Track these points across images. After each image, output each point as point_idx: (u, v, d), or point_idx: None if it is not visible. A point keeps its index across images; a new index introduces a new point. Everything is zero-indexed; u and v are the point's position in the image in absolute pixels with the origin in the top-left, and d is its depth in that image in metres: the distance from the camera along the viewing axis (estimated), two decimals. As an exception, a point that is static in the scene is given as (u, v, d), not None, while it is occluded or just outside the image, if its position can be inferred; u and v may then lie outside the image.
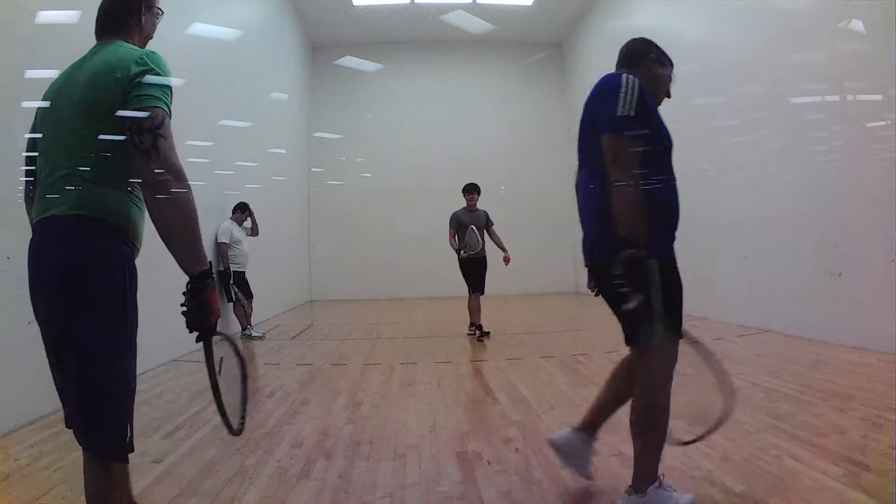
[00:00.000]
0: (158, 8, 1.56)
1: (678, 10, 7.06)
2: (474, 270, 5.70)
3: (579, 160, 1.95)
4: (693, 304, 7.55)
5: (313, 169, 11.07)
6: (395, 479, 2.17)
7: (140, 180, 1.30)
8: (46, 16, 3.20)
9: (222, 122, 6.16)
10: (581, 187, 1.97)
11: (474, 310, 5.71)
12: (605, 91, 1.74)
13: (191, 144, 5.13)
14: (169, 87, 1.35)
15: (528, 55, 11.41)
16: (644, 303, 1.56)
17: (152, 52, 1.39)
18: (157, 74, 1.33)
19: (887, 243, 3.85)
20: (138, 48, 1.44)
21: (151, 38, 1.56)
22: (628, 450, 2.36)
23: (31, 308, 1.41)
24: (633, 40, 2.01)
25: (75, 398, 1.30)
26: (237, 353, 1.41)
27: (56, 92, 1.41)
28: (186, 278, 1.31)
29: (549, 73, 11.61)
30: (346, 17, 9.98)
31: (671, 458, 2.26)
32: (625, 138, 1.64)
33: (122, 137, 1.28)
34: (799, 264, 4.90)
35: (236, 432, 1.41)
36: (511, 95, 11.52)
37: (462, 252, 5.62)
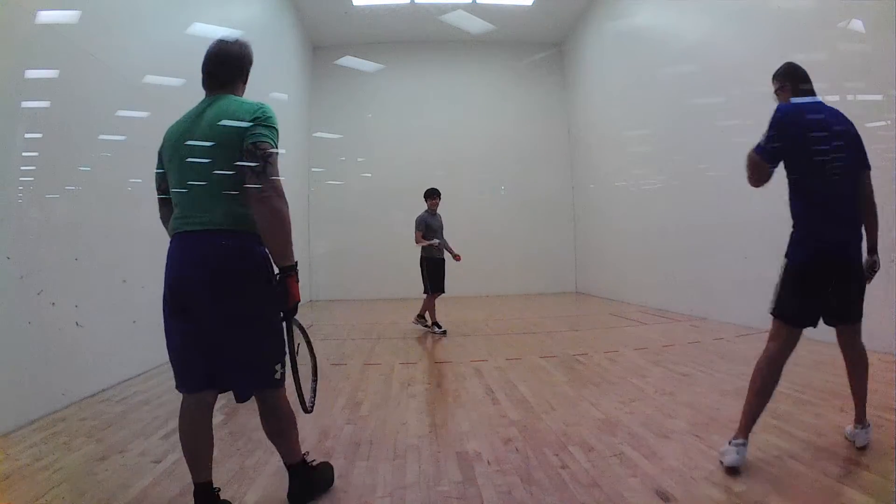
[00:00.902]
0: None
1: (678, 10, 7.06)
2: (441, 271, 6.04)
3: (845, 170, 2.31)
4: (693, 303, 7.56)
5: (313, 169, 11.06)
6: (395, 479, 2.17)
7: (252, 193, 1.70)
8: (46, 16, 3.20)
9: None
10: (846, 195, 2.34)
11: (433, 308, 6.06)
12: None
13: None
14: (276, 130, 1.76)
15: (528, 55, 11.40)
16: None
17: (263, 104, 1.78)
18: (269, 120, 1.74)
19: (887, 243, 3.84)
20: (252, 101, 1.82)
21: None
22: (629, 451, 2.37)
23: (172, 297, 1.80)
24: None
25: (246, 356, 1.77)
26: (308, 343, 1.92)
27: (180, 137, 1.82)
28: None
29: (549, 73, 11.61)
30: (346, 17, 9.97)
31: (671, 458, 2.27)
32: None
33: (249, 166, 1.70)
34: (799, 264, 4.89)
35: (308, 410, 1.97)
36: (511, 95, 11.52)
37: (435, 253, 6.00)
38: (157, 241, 3.82)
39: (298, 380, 1.89)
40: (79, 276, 3.43)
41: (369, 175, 11.13)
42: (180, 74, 4.91)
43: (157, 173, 1.94)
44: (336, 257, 10.79)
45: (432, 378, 3.96)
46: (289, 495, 1.95)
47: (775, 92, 2.42)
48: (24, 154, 3.11)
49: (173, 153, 1.83)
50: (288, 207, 1.74)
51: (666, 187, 7.62)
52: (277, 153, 1.73)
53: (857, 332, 2.46)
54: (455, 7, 9.98)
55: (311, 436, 2.69)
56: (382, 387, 3.72)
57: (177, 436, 2.70)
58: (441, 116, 11.30)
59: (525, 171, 11.34)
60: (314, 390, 2.02)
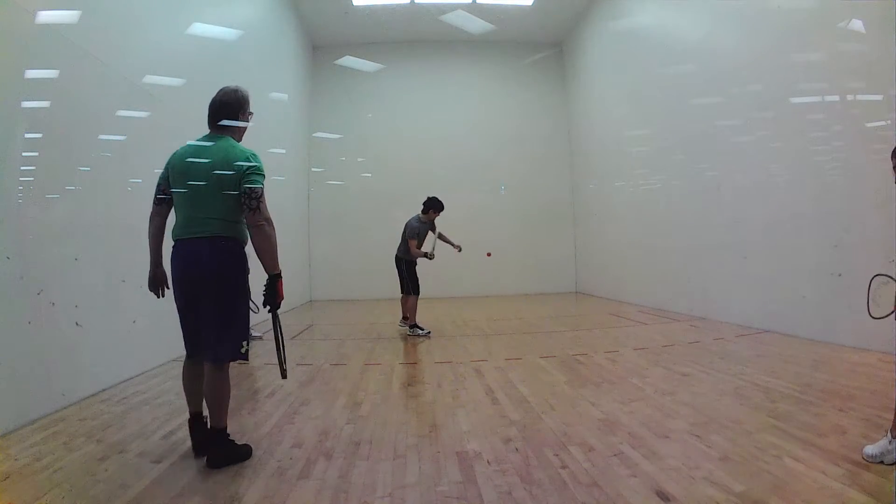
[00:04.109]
0: (251, 112, 2.57)
1: (678, 10, 7.06)
2: (415, 272, 6.05)
3: None
4: (693, 303, 7.55)
5: (313, 169, 11.06)
6: (395, 479, 2.17)
7: (248, 223, 2.29)
8: (46, 16, 3.20)
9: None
10: None
11: (415, 309, 6.01)
12: None
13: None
14: (263, 174, 2.32)
15: (528, 55, 11.40)
16: None
17: (254, 153, 2.36)
18: (257, 168, 2.31)
19: (887, 243, 3.84)
20: (245, 149, 2.37)
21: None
22: (629, 450, 2.37)
23: (177, 289, 2.39)
24: None
25: (219, 333, 2.30)
26: (276, 323, 2.41)
27: (185, 161, 2.36)
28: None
29: (549, 72, 11.61)
30: (346, 17, 9.97)
31: (671, 458, 2.27)
32: None
33: (237, 194, 2.31)
34: (799, 264, 4.90)
35: (284, 377, 2.50)
36: (511, 95, 11.51)
37: (420, 257, 5.96)
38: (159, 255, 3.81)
39: (282, 356, 2.47)
40: (79, 276, 3.43)
41: (369, 175, 11.12)
42: (180, 74, 4.92)
43: (162, 178, 2.45)
44: (336, 257, 10.79)
45: (432, 378, 3.96)
46: (207, 459, 2.32)
47: None
48: (24, 154, 3.11)
49: (179, 177, 2.36)
50: (273, 228, 2.31)
51: (666, 187, 7.62)
52: (263, 189, 2.30)
53: None
54: (455, 7, 9.97)
55: (311, 436, 2.70)
56: (382, 387, 3.72)
57: (178, 435, 2.71)
58: (441, 116, 11.29)
59: (525, 171, 11.33)
60: (283, 362, 2.49)
